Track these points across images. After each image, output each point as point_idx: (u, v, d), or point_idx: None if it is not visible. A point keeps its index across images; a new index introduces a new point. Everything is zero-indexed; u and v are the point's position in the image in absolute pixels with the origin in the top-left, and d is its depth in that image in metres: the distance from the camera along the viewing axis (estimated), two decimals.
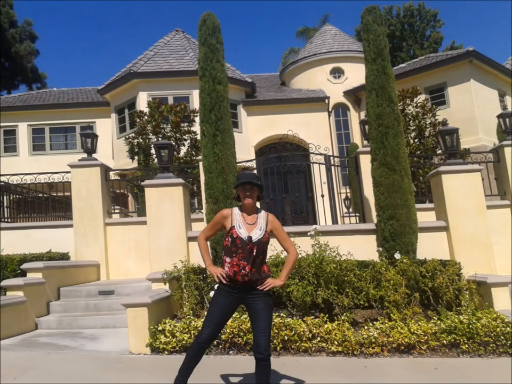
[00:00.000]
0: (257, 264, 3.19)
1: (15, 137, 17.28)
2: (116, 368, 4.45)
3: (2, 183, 9.37)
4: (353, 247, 6.04)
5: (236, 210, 3.34)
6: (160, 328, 5.01)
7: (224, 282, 3.22)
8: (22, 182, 9.84)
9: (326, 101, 16.99)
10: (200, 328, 3.51)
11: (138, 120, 11.68)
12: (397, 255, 5.93)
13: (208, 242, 4.70)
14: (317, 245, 5.75)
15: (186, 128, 11.49)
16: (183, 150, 11.64)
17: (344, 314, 5.21)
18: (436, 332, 4.86)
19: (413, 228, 6.37)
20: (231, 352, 4.84)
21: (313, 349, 4.80)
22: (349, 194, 11.46)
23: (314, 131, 15.99)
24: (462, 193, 6.78)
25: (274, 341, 4.77)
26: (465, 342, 4.79)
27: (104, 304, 6.54)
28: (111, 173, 9.09)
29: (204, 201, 6.85)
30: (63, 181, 9.31)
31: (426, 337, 4.82)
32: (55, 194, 11.18)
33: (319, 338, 4.84)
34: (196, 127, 9.86)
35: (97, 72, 63.71)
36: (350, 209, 11.82)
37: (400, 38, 30.98)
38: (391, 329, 4.87)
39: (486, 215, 6.78)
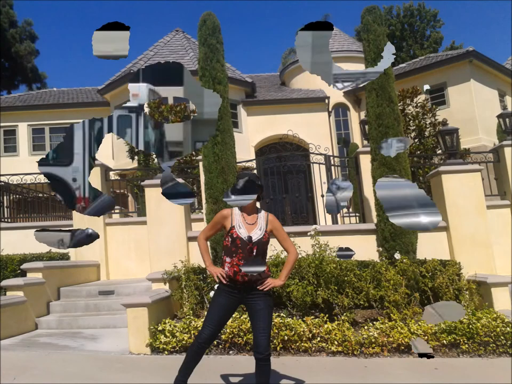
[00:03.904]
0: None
1: (15, 137, 17.27)
2: (116, 368, 4.45)
3: (2, 183, 9.37)
4: (353, 247, 5.90)
5: (236, 210, 3.34)
6: (160, 328, 5.01)
7: (224, 282, 3.22)
8: (22, 182, 9.85)
9: (326, 101, 16.97)
10: (200, 328, 3.51)
11: None
12: (397, 255, 5.93)
13: (208, 242, 4.70)
14: (317, 245, 5.74)
15: None
16: None
17: (344, 314, 5.21)
18: (435, 332, 4.86)
19: None
20: (231, 352, 4.84)
21: (313, 349, 4.80)
22: None
23: (314, 131, 15.97)
24: (462, 193, 6.78)
25: (274, 341, 4.76)
26: (465, 342, 4.79)
27: (104, 304, 6.54)
28: (111, 173, 9.09)
29: (204, 201, 6.85)
30: None
31: (426, 337, 4.82)
32: (55, 194, 11.16)
33: (319, 338, 4.84)
34: None
35: (97, 72, 63.81)
36: (350, 209, 11.82)
37: (400, 38, 31.00)
38: (391, 329, 4.87)
39: (486, 215, 6.78)
